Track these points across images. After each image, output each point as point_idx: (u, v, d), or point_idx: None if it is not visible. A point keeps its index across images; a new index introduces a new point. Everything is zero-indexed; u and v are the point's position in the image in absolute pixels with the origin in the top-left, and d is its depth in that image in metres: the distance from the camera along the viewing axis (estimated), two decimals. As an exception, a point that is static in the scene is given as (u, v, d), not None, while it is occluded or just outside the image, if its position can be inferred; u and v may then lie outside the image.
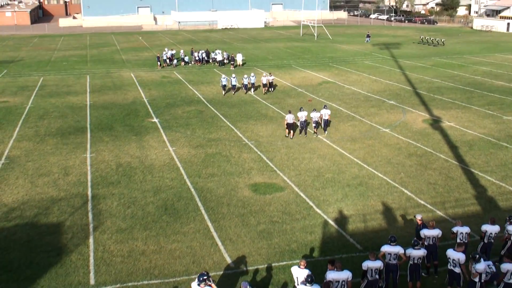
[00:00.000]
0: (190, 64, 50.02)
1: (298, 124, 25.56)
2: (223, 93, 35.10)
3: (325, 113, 26.06)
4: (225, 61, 48.84)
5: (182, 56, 49.82)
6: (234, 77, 34.96)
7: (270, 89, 35.95)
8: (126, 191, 19.51)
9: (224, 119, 29.23)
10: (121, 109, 31.81)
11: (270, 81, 36.36)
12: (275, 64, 49.92)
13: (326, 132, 25.99)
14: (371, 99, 34.15)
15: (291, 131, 25.02)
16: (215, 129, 27.38)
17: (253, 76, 35.55)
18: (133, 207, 18.23)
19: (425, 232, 14.00)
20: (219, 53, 49.15)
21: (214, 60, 49.88)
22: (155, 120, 29.43)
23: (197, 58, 50.04)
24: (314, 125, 25.81)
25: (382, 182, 20.25)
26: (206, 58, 50.02)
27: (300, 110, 25.69)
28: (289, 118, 25.04)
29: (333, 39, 70.95)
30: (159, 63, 48.27)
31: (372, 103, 33.08)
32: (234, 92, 34.83)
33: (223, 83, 35.12)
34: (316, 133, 25.76)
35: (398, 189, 19.60)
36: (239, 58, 48.25)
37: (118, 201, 18.67)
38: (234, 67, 47.22)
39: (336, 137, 25.62)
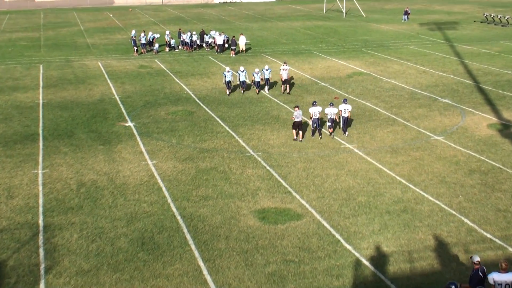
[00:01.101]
0: (177, 50, 50.74)
1: (311, 123, 25.86)
2: (227, 92, 35.18)
3: (345, 109, 26.46)
4: (225, 45, 49.37)
5: (168, 40, 50.47)
6: (243, 71, 34.74)
7: (287, 87, 35.74)
8: (90, 219, 19.39)
9: (222, 123, 29.44)
10: (85, 110, 32.27)
11: (285, 73, 36.33)
12: (290, 50, 50.33)
13: (346, 133, 26.42)
14: (418, 96, 34.63)
15: (300, 132, 25.62)
16: (210, 136, 27.54)
17: (267, 70, 35.06)
18: (99, 240, 18.01)
19: (495, 277, 13.76)
20: (216, 34, 49.99)
21: (209, 44, 50.54)
22: (129, 124, 29.81)
23: (186, 42, 50.64)
24: (329, 123, 26.13)
25: (434, 208, 20.20)
26: (198, 41, 50.81)
27: (313, 105, 26.02)
28: (298, 115, 25.63)
29: (367, 17, 72.38)
30: (135, 48, 48.97)
31: (420, 102, 33.54)
32: (244, 91, 34.82)
33: (227, 79, 34.86)
34: (332, 134, 26.21)
35: (455, 218, 19.54)
36: (242, 42, 48.66)
37: (79, 233, 18.47)
38: (236, 53, 47.73)
39: (371, 147, 25.68)
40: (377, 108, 32.15)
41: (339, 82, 38.31)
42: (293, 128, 25.79)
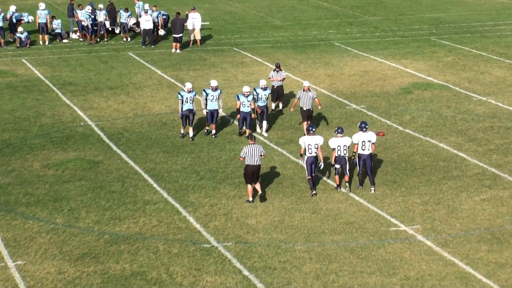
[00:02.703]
0: (66, 40, 49.37)
1: (305, 165, 26.94)
2: (182, 132, 32.38)
3: (364, 141, 27.03)
4: (161, 31, 48.45)
5: (49, 22, 48.54)
6: (216, 89, 32.07)
7: (278, 105, 35.46)
8: None
9: (155, 185, 27.82)
10: None
11: (278, 84, 34.92)
12: (289, 40, 49.86)
13: (372, 188, 26.89)
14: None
15: (257, 187, 26.78)
16: (131, 212, 25.61)
17: (265, 90, 32.83)
18: None
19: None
20: (140, 10, 48.86)
21: (128, 29, 49.45)
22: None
23: (83, 25, 48.43)
24: (336, 167, 26.84)
25: None
26: (107, 24, 49.92)
27: (309, 133, 27.11)
28: (252, 154, 26.80)
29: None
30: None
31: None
32: (214, 134, 32.58)
33: (188, 107, 31.94)
34: (344, 186, 27.25)
35: None
36: (193, 25, 47.13)
37: None
38: (182, 46, 46.60)
39: (450, 232, 23.91)
40: (460, 154, 29.92)
41: (386, 104, 36.42)
42: (246, 182, 26.14)
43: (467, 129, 33.22)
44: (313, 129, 27.05)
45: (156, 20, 48.35)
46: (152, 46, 47.43)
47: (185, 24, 47.36)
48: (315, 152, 26.44)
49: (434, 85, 39.30)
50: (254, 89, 33.57)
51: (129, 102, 37.11)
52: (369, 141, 26.54)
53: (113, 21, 50.07)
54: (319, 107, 33.35)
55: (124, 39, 49.20)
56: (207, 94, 32.03)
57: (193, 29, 47.44)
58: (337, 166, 26.70)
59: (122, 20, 49.47)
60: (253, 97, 33.52)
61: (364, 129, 26.73)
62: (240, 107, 32.42)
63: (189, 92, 32.31)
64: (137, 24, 49.22)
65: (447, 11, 58.36)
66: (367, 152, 26.60)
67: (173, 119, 34.70)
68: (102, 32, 49.55)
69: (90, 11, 48.93)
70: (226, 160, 30.12)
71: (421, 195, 26.75)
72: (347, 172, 26.74)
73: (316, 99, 32.92)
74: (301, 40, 49.58)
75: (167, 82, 39.49)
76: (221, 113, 33.65)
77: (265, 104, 33.13)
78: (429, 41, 48.83)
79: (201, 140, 32.44)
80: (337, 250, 22.80)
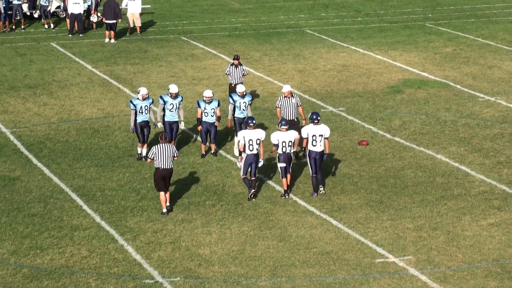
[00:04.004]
0: None
1: (242, 164, 28.18)
2: (139, 152, 32.01)
3: (315, 134, 27.98)
4: (94, 17, 49.30)
5: None
6: (175, 95, 32.05)
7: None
8: None
9: (85, 206, 27.37)
10: None
11: (237, 81, 35.53)
12: (249, 27, 51.17)
13: (323, 188, 28.16)
14: None
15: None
16: (56, 239, 25.12)
17: (243, 97, 32.61)
18: None
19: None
20: None
21: (51, 14, 50.29)
22: None
23: None
24: (280, 165, 27.79)
25: None
26: (25, 8, 50.45)
27: (248, 126, 28.21)
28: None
29: None
30: None
31: None
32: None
33: (142, 118, 31.80)
34: (286, 193, 28.09)
35: None
36: (134, 9, 48.09)
37: None
38: (116, 35, 47.48)
39: (451, 265, 23.83)
40: (463, 168, 30.39)
41: (371, 105, 36.94)
42: (157, 189, 26.77)
43: (471, 137, 33.23)
44: (254, 122, 27.84)
45: (89, 3, 48.76)
46: (81, 35, 48.15)
47: (121, 6, 47.02)
48: (257, 149, 27.37)
49: (430, 83, 39.78)
50: (231, 96, 33.60)
51: (52, 104, 37.02)
52: (321, 135, 27.31)
53: (32, 4, 50.44)
54: (303, 121, 32.86)
55: (46, 26, 49.63)
56: (165, 103, 31.95)
57: (132, 14, 47.46)
58: (282, 165, 27.51)
59: (43, 3, 49.19)
60: (233, 106, 33.10)
61: (316, 121, 27.43)
62: (201, 116, 32.32)
63: (144, 99, 31.99)
64: (64, 8, 48.93)
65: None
66: (318, 148, 27.30)
67: (106, 125, 34.81)
68: (18, 18, 49.97)
69: None
70: (173, 177, 29.15)
71: (414, 219, 26.44)
72: (290, 170, 27.54)
73: (300, 107, 33.01)
74: (265, 27, 50.87)
75: (99, 79, 39.79)
76: (182, 126, 33.79)
77: (245, 115, 33.27)
78: (424, 28, 49.98)
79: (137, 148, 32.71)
80: (310, 287, 22.57)
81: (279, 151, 28.50)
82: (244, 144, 28.03)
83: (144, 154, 32.09)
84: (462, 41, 46.58)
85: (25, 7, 49.55)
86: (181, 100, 32.50)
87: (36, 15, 49.96)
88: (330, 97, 37.82)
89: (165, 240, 25.25)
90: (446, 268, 23.57)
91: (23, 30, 48.69)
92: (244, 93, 33.09)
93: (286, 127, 28.70)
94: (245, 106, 33.03)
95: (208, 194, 28.15)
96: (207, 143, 32.95)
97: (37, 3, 49.71)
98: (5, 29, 48.15)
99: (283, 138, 28.14)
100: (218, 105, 33.21)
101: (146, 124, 32.00)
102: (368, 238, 25.41)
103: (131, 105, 31.79)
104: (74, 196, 28.15)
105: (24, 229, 25.92)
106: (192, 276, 23.05)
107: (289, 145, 28.42)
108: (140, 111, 31.66)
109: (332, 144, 32.72)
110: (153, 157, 26.44)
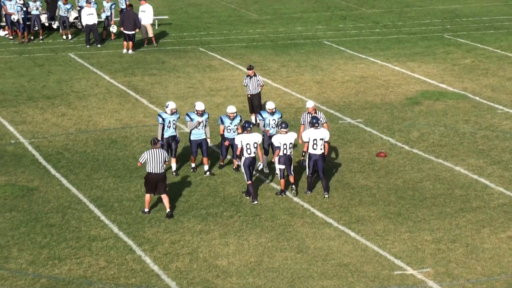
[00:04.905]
0: None
1: (242, 167, 28.24)
2: (174, 172, 31.32)
3: (316, 138, 27.92)
4: (113, 27, 49.12)
5: None
6: (202, 113, 31.40)
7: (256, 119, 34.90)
8: None
9: (103, 217, 27.12)
10: None
11: (254, 92, 35.21)
12: (267, 38, 50.69)
13: (327, 194, 28.03)
14: None
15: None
16: (74, 250, 24.88)
17: (272, 114, 31.76)
18: None
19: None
20: (82, 1, 49.67)
21: (69, 25, 49.99)
22: None
23: (13, 20, 48.94)
24: (279, 167, 27.94)
25: None
26: (43, 18, 50.20)
27: (246, 130, 28.06)
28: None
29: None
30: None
31: None
32: (208, 170, 31.59)
33: (169, 133, 31.34)
34: (288, 190, 28.41)
35: None
36: (146, 19, 47.83)
37: None
38: (134, 46, 47.31)
39: (471, 277, 23.42)
40: (482, 180, 29.97)
41: (389, 117, 36.58)
42: (146, 191, 26.81)
43: (490, 149, 33.13)
44: (251, 126, 27.78)
45: (109, 13, 48.78)
46: (99, 46, 47.78)
47: (137, 21, 47.96)
48: (254, 153, 27.41)
49: (448, 94, 39.65)
50: (259, 114, 32.93)
51: (70, 114, 36.93)
52: (321, 139, 27.36)
53: (52, 15, 50.33)
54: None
55: (64, 37, 49.20)
56: (191, 120, 31.68)
57: (144, 26, 47.56)
58: (281, 167, 27.56)
59: (62, 14, 49.06)
60: (257, 123, 32.82)
61: (316, 125, 27.50)
62: (224, 132, 31.89)
63: (172, 113, 31.65)
64: (80, 18, 49.13)
65: (465, 1, 59.79)
66: (319, 151, 27.32)
67: (124, 136, 34.69)
68: (36, 28, 49.80)
69: (21, 2, 48.03)
70: (191, 187, 29.50)
71: (433, 231, 26.25)
72: (292, 172, 27.72)
73: (325, 124, 32.32)
74: (283, 38, 50.30)
75: (117, 90, 39.45)
76: (210, 143, 33.48)
77: (274, 133, 32.73)
78: (442, 39, 49.47)
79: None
80: (330, 304, 22.45)
81: (280, 153, 28.59)
82: (242, 148, 28.03)
83: (174, 168, 31.67)
84: (481, 52, 46.47)
85: (43, 17, 49.46)
86: (208, 118, 32.10)
87: (55, 26, 49.88)
88: (348, 108, 37.69)
89: (182, 251, 25.06)
90: (465, 281, 23.33)
91: (41, 41, 48.75)
92: (274, 110, 32.56)
93: (286, 129, 28.71)
94: (274, 123, 32.60)
95: (225, 205, 27.97)
96: (228, 157, 32.80)
97: (56, 14, 49.58)
98: (23, 40, 48.09)
99: (284, 140, 28.22)
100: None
101: (173, 139, 31.79)
102: (386, 250, 25.12)
103: (160, 119, 31.60)
104: (92, 206, 28.08)
105: (42, 239, 25.84)
106: (209, 287, 22.89)
107: (289, 147, 28.39)
108: (168, 126, 31.48)
109: (350, 155, 33.01)
110: (144, 162, 26.50)
